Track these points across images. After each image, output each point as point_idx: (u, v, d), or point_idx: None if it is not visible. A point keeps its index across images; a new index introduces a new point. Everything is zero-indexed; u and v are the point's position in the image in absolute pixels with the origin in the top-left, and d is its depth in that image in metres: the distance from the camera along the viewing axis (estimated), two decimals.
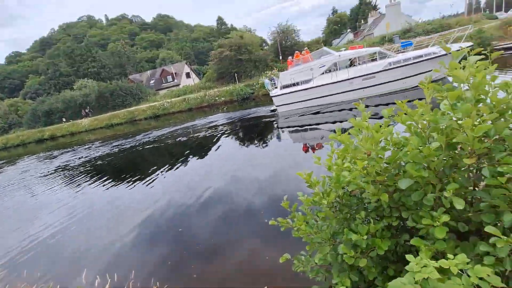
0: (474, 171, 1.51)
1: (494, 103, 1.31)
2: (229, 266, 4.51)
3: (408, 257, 1.07)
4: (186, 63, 59.37)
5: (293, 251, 2.23)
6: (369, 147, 1.49)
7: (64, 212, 8.55)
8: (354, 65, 16.36)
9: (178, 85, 51.85)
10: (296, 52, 19.14)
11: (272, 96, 18.03)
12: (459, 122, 1.23)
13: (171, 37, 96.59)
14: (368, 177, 1.50)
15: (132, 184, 9.89)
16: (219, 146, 12.80)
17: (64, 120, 45.52)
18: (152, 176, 10.31)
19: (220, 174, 9.00)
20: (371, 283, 1.71)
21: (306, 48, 20.58)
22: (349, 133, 1.71)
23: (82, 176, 12.69)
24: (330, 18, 60.21)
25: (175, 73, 54.98)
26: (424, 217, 1.34)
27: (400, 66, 14.48)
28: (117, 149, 18.43)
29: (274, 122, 16.11)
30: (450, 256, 1.12)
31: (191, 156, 12.12)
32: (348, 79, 15.60)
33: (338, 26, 56.48)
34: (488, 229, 1.12)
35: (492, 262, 1.19)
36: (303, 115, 15.80)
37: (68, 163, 17.27)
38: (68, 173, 14.30)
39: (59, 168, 16.21)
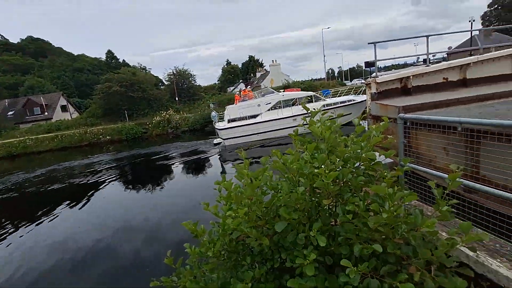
0: (334, 209, 1.80)
1: (340, 153, 1.65)
2: None
3: None
4: (62, 95, 50.97)
5: None
6: (250, 192, 1.57)
7: None
8: (296, 105, 19.09)
9: (49, 118, 43.33)
10: (242, 89, 20.92)
11: (219, 129, 18.64)
12: (316, 170, 1.47)
13: (45, 63, 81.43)
14: (250, 223, 1.55)
15: None
16: (103, 191, 11.04)
17: None
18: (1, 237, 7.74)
19: (104, 225, 7.64)
20: None
21: (249, 86, 22.94)
22: (232, 180, 1.77)
23: None
24: (224, 67, 65.92)
25: (46, 104, 46.05)
26: (298, 256, 1.46)
27: (333, 108, 18.14)
28: None
29: (215, 156, 16.19)
30: None
31: (64, 207, 9.90)
32: (292, 116, 18.30)
33: (231, 76, 62.14)
34: (343, 262, 1.32)
35: None
36: (248, 148, 16.37)
37: None
38: None
39: None
